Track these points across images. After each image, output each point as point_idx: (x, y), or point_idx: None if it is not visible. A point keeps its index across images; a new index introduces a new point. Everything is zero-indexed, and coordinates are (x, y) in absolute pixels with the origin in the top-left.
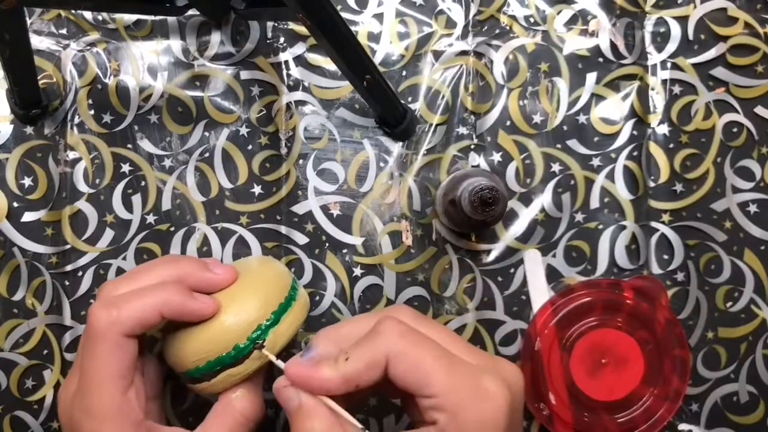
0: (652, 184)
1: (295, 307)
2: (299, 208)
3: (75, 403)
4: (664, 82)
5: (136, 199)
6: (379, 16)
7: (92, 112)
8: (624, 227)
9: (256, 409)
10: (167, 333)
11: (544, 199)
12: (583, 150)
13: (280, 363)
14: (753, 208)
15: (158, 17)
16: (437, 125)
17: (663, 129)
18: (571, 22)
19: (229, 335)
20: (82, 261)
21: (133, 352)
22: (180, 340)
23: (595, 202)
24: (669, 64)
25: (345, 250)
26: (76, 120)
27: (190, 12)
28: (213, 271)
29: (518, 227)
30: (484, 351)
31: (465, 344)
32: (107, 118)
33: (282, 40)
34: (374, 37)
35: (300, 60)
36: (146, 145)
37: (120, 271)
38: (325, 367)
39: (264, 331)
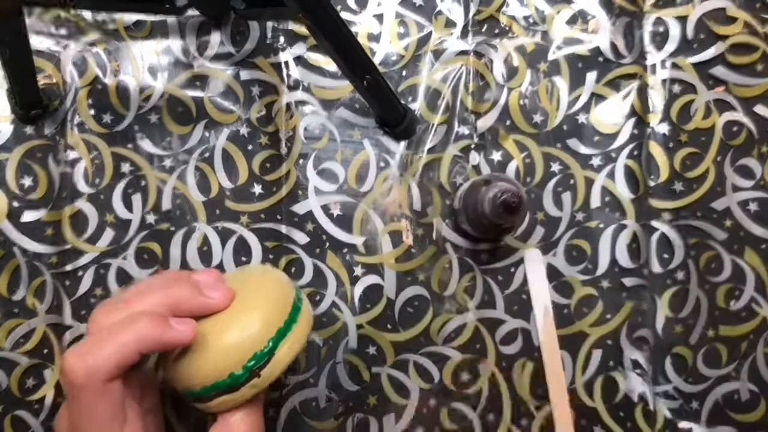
0: (652, 183)
1: (295, 330)
2: (299, 208)
3: None
4: (663, 81)
5: (137, 199)
6: (378, 17)
7: (92, 112)
8: (624, 226)
9: None
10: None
11: (544, 199)
12: (583, 149)
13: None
14: (753, 207)
15: (158, 17)
16: (437, 125)
17: (663, 128)
18: (570, 21)
19: (225, 362)
20: (83, 261)
21: (119, 393)
22: (176, 362)
23: (595, 202)
24: (668, 64)
25: (345, 250)
26: (76, 120)
27: (190, 12)
28: (207, 296)
29: (519, 226)
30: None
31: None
32: (107, 118)
33: (282, 40)
34: (374, 37)
35: (300, 60)
36: (146, 145)
37: (120, 271)
38: None
39: (260, 359)
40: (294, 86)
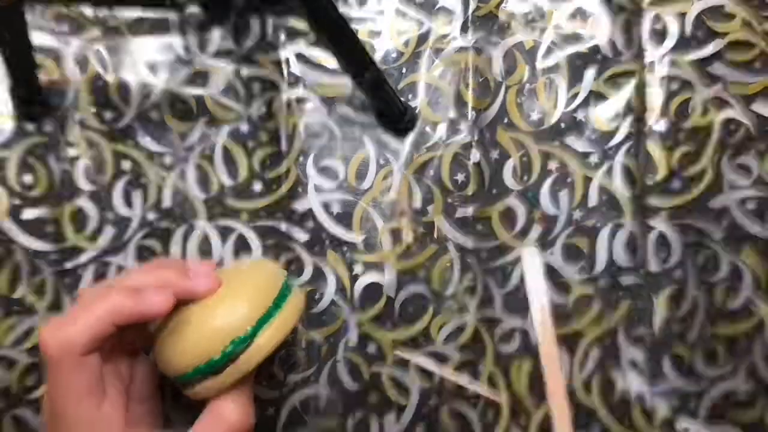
0: (649, 182)
1: (279, 317)
2: (299, 206)
3: (50, 428)
4: (661, 78)
5: (137, 196)
6: (379, 13)
7: (93, 109)
8: (622, 225)
9: (243, 419)
10: (156, 333)
11: (541, 197)
12: (580, 147)
13: None
14: (751, 205)
15: (159, 14)
16: (437, 122)
17: (661, 126)
18: (569, 18)
19: (205, 346)
20: (83, 258)
21: (95, 367)
22: (160, 346)
23: (593, 200)
24: (667, 61)
25: (345, 248)
26: (77, 117)
27: (191, 9)
28: (193, 281)
29: (516, 225)
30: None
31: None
32: (108, 115)
33: (283, 36)
34: (374, 34)
35: (301, 57)
36: (147, 142)
37: (121, 268)
38: None
39: (239, 344)
40: (294, 83)
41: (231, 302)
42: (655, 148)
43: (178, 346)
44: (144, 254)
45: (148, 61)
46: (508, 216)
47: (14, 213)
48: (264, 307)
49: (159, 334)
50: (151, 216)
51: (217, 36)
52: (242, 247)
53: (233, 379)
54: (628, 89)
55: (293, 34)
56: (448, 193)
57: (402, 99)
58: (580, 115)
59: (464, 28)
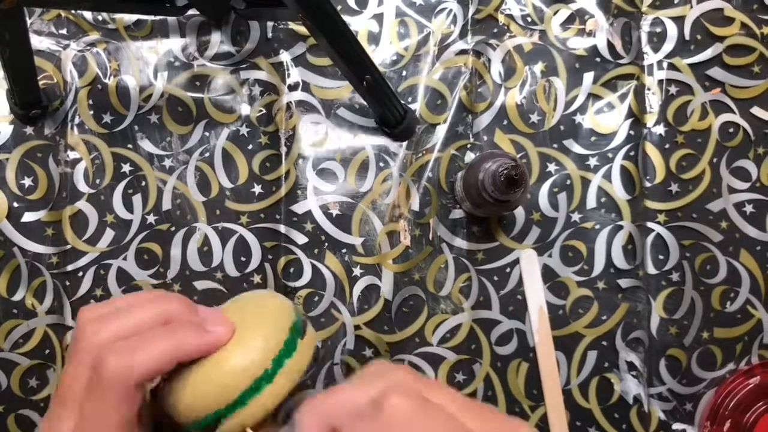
0: (648, 184)
1: (282, 374)
2: (299, 208)
3: None
4: (660, 82)
5: (137, 199)
6: (378, 17)
7: (92, 112)
8: (620, 227)
9: None
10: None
11: (540, 199)
12: (579, 150)
13: None
14: (749, 209)
15: (158, 17)
16: (436, 125)
17: (659, 129)
18: (568, 21)
19: (200, 407)
20: (83, 261)
21: (141, 400)
22: (169, 394)
23: (591, 202)
24: (665, 64)
25: (344, 250)
26: (77, 120)
27: (190, 12)
28: (211, 333)
29: (514, 227)
30: (492, 410)
31: (472, 407)
32: (107, 118)
33: (282, 40)
34: (374, 38)
35: (300, 60)
36: (146, 145)
37: (120, 271)
38: None
39: (229, 411)
40: (294, 86)
41: (247, 344)
42: (653, 151)
43: (181, 398)
44: (144, 257)
45: (147, 64)
46: (504, 216)
47: (14, 216)
48: (268, 361)
49: (171, 383)
50: (151, 218)
51: (216, 39)
52: (242, 249)
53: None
54: (627, 92)
55: (293, 38)
56: (445, 195)
57: (402, 102)
58: (579, 118)
59: (464, 31)
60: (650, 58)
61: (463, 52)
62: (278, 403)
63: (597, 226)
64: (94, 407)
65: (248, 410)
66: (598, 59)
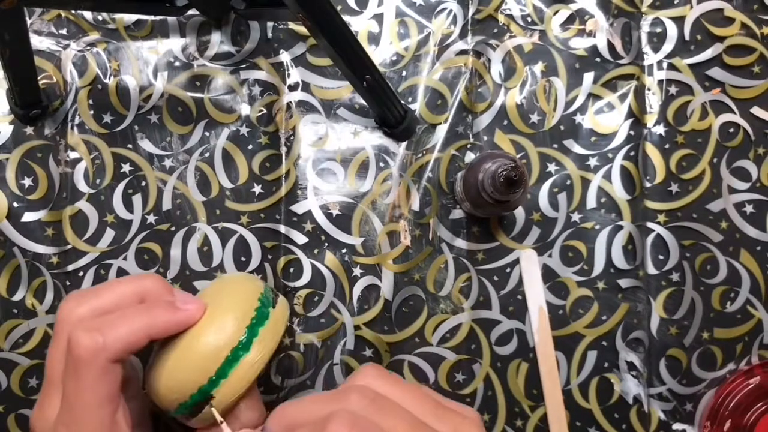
0: (648, 185)
1: (257, 342)
2: (299, 208)
3: (59, 429)
4: (660, 82)
5: (137, 199)
6: (378, 17)
7: (92, 112)
8: (620, 227)
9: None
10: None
11: (540, 199)
12: (579, 150)
13: (226, 429)
14: (749, 209)
15: (158, 17)
16: (437, 125)
17: (659, 129)
18: (568, 21)
19: (182, 386)
20: (83, 261)
21: (119, 375)
22: (150, 383)
23: (591, 202)
24: (665, 65)
25: (344, 250)
26: (77, 120)
27: (190, 12)
28: (184, 309)
29: (514, 227)
30: (449, 403)
31: (432, 404)
32: (107, 118)
33: (282, 40)
34: (374, 38)
35: (300, 60)
36: (146, 145)
37: (121, 272)
38: None
39: (212, 385)
40: (294, 86)
41: (219, 318)
42: (653, 151)
43: (157, 385)
44: (144, 257)
45: (147, 64)
46: (504, 216)
47: (13, 216)
48: (251, 314)
49: (151, 372)
50: (151, 219)
51: (216, 39)
52: (242, 249)
53: (212, 421)
54: (627, 93)
55: (293, 38)
56: (445, 195)
57: (402, 102)
58: (579, 118)
59: (464, 32)
60: (650, 58)
61: (463, 52)
62: (258, 371)
63: (597, 227)
64: (73, 385)
65: (230, 381)
66: (598, 59)
